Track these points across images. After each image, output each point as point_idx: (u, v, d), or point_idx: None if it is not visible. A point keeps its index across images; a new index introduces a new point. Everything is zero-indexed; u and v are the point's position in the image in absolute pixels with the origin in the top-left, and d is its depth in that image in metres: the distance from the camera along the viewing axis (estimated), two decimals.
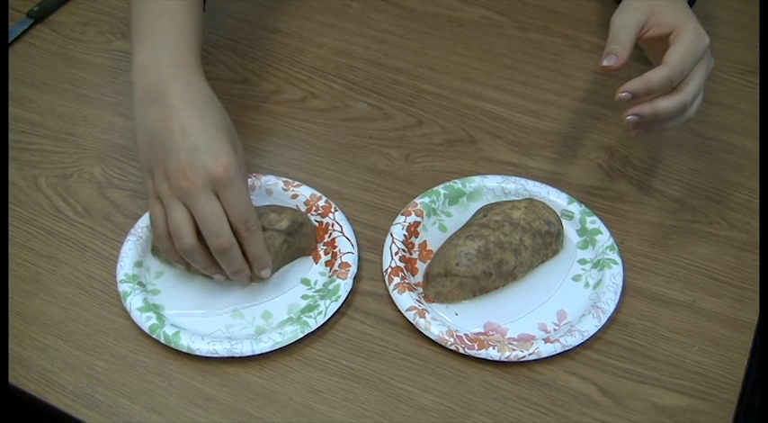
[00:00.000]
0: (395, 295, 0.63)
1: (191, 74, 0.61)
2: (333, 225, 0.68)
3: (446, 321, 0.62)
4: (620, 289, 0.64)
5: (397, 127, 0.77)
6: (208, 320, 0.63)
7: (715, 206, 0.71)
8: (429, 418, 0.58)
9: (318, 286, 0.65)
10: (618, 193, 0.72)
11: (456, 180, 0.71)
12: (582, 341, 0.61)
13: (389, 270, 0.64)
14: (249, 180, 0.70)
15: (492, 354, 0.60)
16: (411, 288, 0.64)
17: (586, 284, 0.65)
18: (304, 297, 0.64)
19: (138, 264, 0.65)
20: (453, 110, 0.79)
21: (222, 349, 0.60)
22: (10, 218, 0.69)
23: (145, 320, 0.61)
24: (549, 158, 0.75)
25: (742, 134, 0.77)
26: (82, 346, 0.61)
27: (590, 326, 0.61)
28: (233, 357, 0.60)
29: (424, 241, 0.68)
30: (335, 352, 0.62)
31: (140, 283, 0.64)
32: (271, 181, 0.71)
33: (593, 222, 0.68)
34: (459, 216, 0.69)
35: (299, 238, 0.65)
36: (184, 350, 0.60)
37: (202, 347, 0.60)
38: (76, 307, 0.64)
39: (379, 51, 0.85)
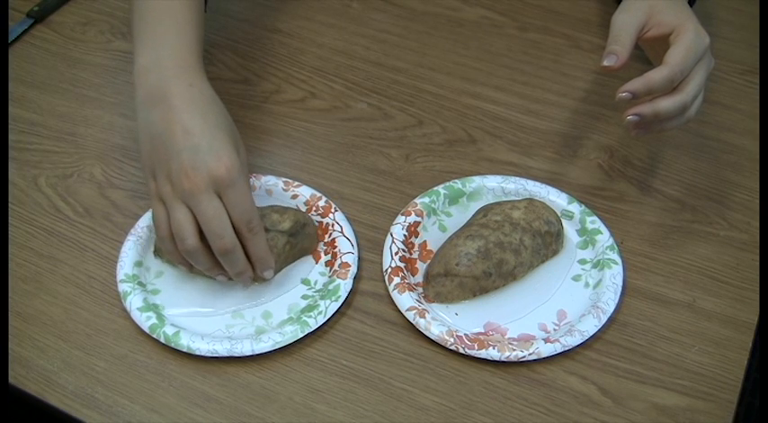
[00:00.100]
0: (395, 295, 0.63)
1: (193, 75, 0.61)
2: (333, 225, 0.68)
3: (446, 321, 0.63)
4: (620, 289, 0.64)
5: (397, 127, 0.77)
6: (208, 320, 0.63)
7: (715, 206, 0.71)
8: (429, 418, 0.58)
9: (318, 286, 0.65)
10: (618, 193, 0.72)
11: (456, 180, 0.71)
12: (582, 341, 0.61)
13: (389, 270, 0.64)
14: (249, 180, 0.70)
15: (492, 354, 0.60)
16: (411, 288, 0.64)
17: (586, 284, 0.65)
18: (304, 297, 0.64)
19: (138, 264, 0.65)
20: (453, 110, 0.79)
21: (222, 349, 0.60)
22: (10, 218, 0.69)
23: (145, 320, 0.61)
24: (549, 158, 0.75)
25: (742, 134, 0.77)
26: (82, 346, 0.61)
27: (590, 326, 0.61)
28: (233, 357, 0.60)
29: (424, 241, 0.68)
30: (335, 352, 0.62)
31: (140, 283, 0.64)
32: (271, 181, 0.71)
33: (593, 222, 0.68)
34: (459, 216, 0.69)
35: (302, 239, 0.66)
36: (184, 350, 0.60)
37: (202, 347, 0.60)
38: (76, 307, 0.64)
39: (379, 51, 0.85)
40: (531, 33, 0.87)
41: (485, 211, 0.67)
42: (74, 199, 0.71)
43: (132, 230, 0.67)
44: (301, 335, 0.61)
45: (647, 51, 0.68)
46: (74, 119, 0.77)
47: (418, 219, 0.68)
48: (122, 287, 0.63)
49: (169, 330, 0.60)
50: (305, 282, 0.65)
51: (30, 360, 0.61)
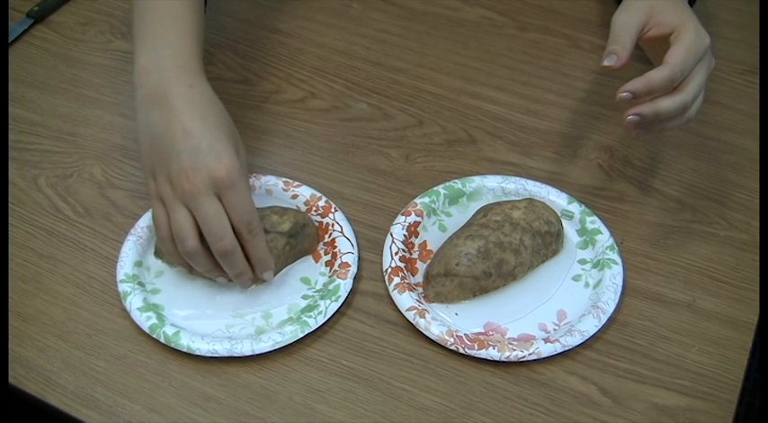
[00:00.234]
0: (395, 295, 0.63)
1: (193, 76, 0.61)
2: (333, 225, 0.68)
3: (446, 321, 0.62)
4: (620, 289, 0.64)
5: (397, 127, 0.77)
6: (208, 320, 0.63)
7: (715, 206, 0.71)
8: (429, 418, 0.58)
9: (318, 286, 0.65)
10: (618, 193, 0.72)
11: (456, 180, 0.71)
12: (582, 341, 0.61)
13: (389, 270, 0.64)
14: (249, 180, 0.70)
15: (492, 354, 0.60)
16: (411, 288, 0.64)
17: (586, 284, 0.65)
18: (304, 297, 0.64)
19: (138, 264, 0.65)
20: (453, 110, 0.79)
21: (222, 349, 0.60)
22: (10, 218, 0.69)
23: (145, 320, 0.61)
24: (549, 158, 0.75)
25: (742, 134, 0.77)
26: (82, 346, 0.61)
27: (590, 326, 0.61)
28: (233, 357, 0.60)
29: (424, 241, 0.68)
30: (335, 352, 0.62)
31: (140, 283, 0.64)
32: (271, 181, 0.71)
33: (593, 222, 0.68)
34: (459, 216, 0.69)
35: (302, 240, 0.66)
36: (184, 350, 0.60)
37: (202, 347, 0.60)
38: (76, 307, 0.64)
39: (379, 51, 0.85)
40: (531, 33, 0.87)
41: (485, 211, 0.67)
42: (74, 199, 0.71)
43: (132, 230, 0.67)
44: (301, 335, 0.61)
45: (648, 51, 0.68)
46: (74, 119, 0.77)
47: (418, 219, 0.68)
48: (122, 287, 0.63)
49: (169, 330, 0.60)
50: (305, 281, 0.65)
51: (30, 360, 0.61)
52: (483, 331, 0.62)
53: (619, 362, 0.61)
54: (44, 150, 0.75)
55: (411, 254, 0.67)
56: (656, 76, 0.59)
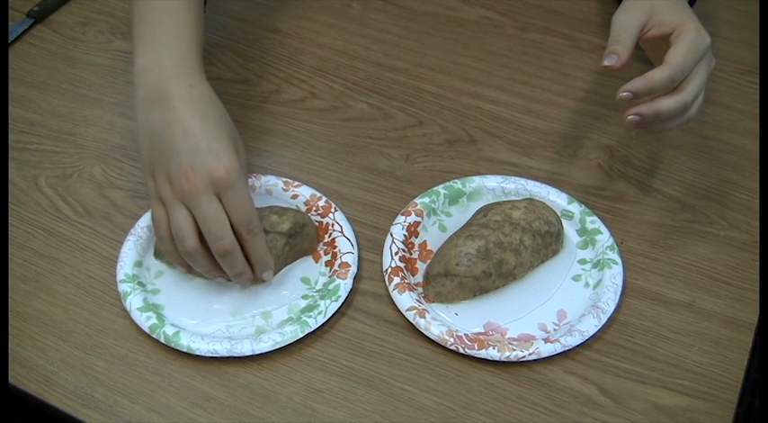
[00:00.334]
0: (395, 295, 0.63)
1: (192, 75, 0.61)
2: (333, 225, 0.68)
3: (446, 321, 0.62)
4: (620, 289, 0.64)
5: (397, 127, 0.77)
6: (208, 320, 0.63)
7: (715, 206, 0.71)
8: (429, 418, 0.58)
9: (318, 286, 0.65)
10: (618, 193, 0.72)
11: (456, 180, 0.71)
12: (582, 341, 0.61)
13: (389, 270, 0.64)
14: (249, 180, 0.70)
15: (492, 354, 0.60)
16: (411, 288, 0.64)
17: (586, 284, 0.65)
18: (304, 297, 0.64)
19: (138, 264, 0.65)
20: (453, 110, 0.79)
21: (222, 349, 0.60)
22: (10, 218, 0.69)
23: (145, 320, 0.61)
24: (549, 158, 0.75)
25: (742, 134, 0.77)
26: (82, 346, 0.61)
27: (590, 326, 0.61)
28: (233, 357, 0.60)
29: (424, 241, 0.68)
30: (335, 352, 0.62)
31: (140, 283, 0.64)
32: (271, 181, 0.71)
33: (593, 222, 0.68)
34: (459, 216, 0.69)
35: (301, 240, 0.66)
36: (184, 350, 0.60)
37: (202, 347, 0.60)
38: (76, 307, 0.64)
39: (379, 51, 0.85)
40: (531, 33, 0.87)
41: (485, 211, 0.66)
42: (74, 199, 0.71)
43: (132, 230, 0.67)
44: (301, 335, 0.61)
45: (648, 51, 0.68)
46: (74, 119, 0.77)
47: (418, 219, 0.68)
48: (122, 287, 0.63)
49: (169, 330, 0.60)
50: (305, 281, 0.65)
51: (30, 360, 0.61)
52: (483, 331, 0.62)
53: (619, 362, 0.61)
54: (44, 150, 0.75)
55: (411, 254, 0.67)
56: (657, 75, 0.59)
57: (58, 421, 0.58)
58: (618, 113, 0.76)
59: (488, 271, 0.63)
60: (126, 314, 0.62)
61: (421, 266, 0.66)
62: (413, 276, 0.65)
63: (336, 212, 0.68)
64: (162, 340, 0.60)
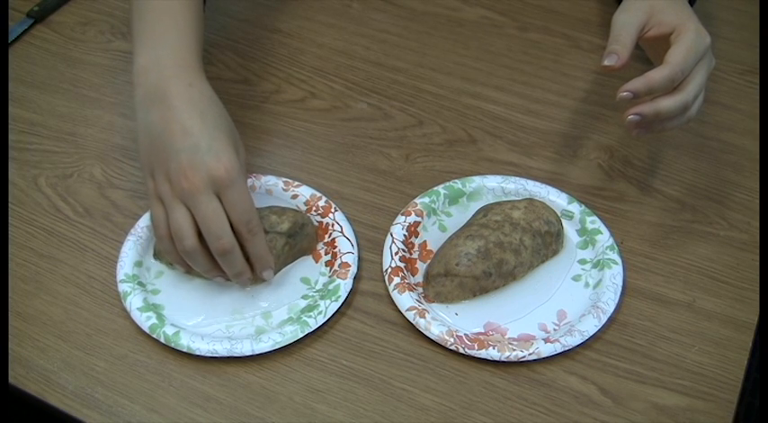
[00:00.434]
0: (395, 295, 0.63)
1: (192, 74, 0.61)
2: (333, 225, 0.68)
3: (446, 321, 0.62)
4: (620, 289, 0.64)
5: (397, 127, 0.77)
6: (208, 320, 0.63)
7: (715, 206, 0.71)
8: (429, 418, 0.58)
9: (318, 286, 0.65)
10: (618, 193, 0.72)
11: (456, 180, 0.71)
12: (582, 341, 0.61)
13: (389, 270, 0.64)
14: (249, 180, 0.70)
15: (492, 354, 0.60)
16: (411, 288, 0.64)
17: (586, 284, 0.65)
18: (304, 297, 0.64)
19: (138, 264, 0.65)
20: (453, 110, 0.79)
21: (222, 349, 0.60)
22: (10, 218, 0.69)
23: (145, 320, 0.61)
24: (549, 158, 0.75)
25: (742, 134, 0.77)
26: (82, 346, 0.61)
27: (590, 326, 0.61)
28: (233, 357, 0.60)
29: (424, 241, 0.68)
30: (335, 352, 0.62)
31: (140, 283, 0.64)
32: (271, 181, 0.71)
33: (593, 222, 0.68)
34: (459, 216, 0.69)
35: (301, 240, 0.66)
36: (184, 350, 0.60)
37: (202, 347, 0.60)
38: (76, 307, 0.64)
39: (379, 51, 0.85)
40: (531, 33, 0.87)
41: (485, 211, 0.66)
42: (74, 199, 0.71)
43: (132, 230, 0.67)
44: (301, 335, 0.61)
45: (648, 51, 0.68)
46: (74, 119, 0.77)
47: (418, 219, 0.68)
48: (122, 287, 0.63)
49: (169, 330, 0.60)
50: (305, 281, 0.65)
51: (30, 360, 0.61)
52: (483, 331, 0.62)
53: (619, 362, 0.61)
54: (44, 150, 0.75)
55: (411, 254, 0.67)
56: (657, 75, 0.59)
57: (58, 421, 0.58)
58: (618, 113, 0.76)
59: (488, 271, 0.63)
60: (126, 314, 0.62)
61: (421, 266, 0.66)
62: (413, 276, 0.65)
63: (336, 212, 0.68)
64: (162, 340, 0.60)
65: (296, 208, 0.68)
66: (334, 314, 0.62)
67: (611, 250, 0.66)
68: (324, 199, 0.69)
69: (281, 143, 0.76)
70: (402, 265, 0.65)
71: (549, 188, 0.70)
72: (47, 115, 0.78)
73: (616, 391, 0.60)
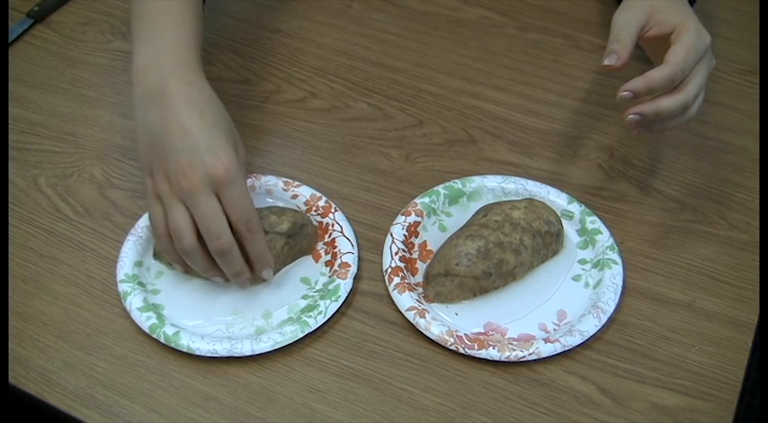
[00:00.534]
0: (395, 295, 0.63)
1: (191, 74, 0.61)
2: (333, 225, 0.68)
3: (446, 321, 0.62)
4: (620, 289, 0.64)
5: (397, 127, 0.77)
6: (208, 320, 0.63)
7: (715, 206, 0.71)
8: (429, 418, 0.58)
9: (318, 286, 0.65)
10: (618, 193, 0.72)
11: (456, 180, 0.71)
12: (582, 341, 0.61)
13: (389, 270, 0.64)
14: (249, 180, 0.70)
15: (492, 354, 0.60)
16: (411, 288, 0.64)
17: (586, 284, 0.65)
18: (304, 297, 0.64)
19: (138, 264, 0.65)
20: (453, 110, 0.79)
21: (222, 349, 0.60)
22: (10, 218, 0.69)
23: (145, 320, 0.61)
24: (549, 158, 0.75)
25: (742, 134, 0.77)
26: (82, 346, 0.61)
27: (590, 326, 0.61)
28: (233, 357, 0.60)
29: (424, 241, 0.68)
30: (335, 352, 0.62)
31: (140, 283, 0.64)
32: (271, 181, 0.71)
33: (593, 222, 0.68)
34: (459, 216, 0.69)
35: (301, 240, 0.65)
36: (184, 350, 0.60)
37: (202, 347, 0.60)
38: (76, 307, 0.64)
39: (379, 51, 0.85)
40: (531, 33, 0.87)
41: (485, 211, 0.66)
42: (74, 199, 0.71)
43: (132, 230, 0.67)
44: (301, 335, 0.61)
45: (648, 51, 0.68)
46: (74, 119, 0.77)
47: (418, 219, 0.68)
48: (122, 287, 0.63)
49: (169, 330, 0.60)
50: (305, 281, 0.65)
51: (30, 360, 0.61)
52: (483, 331, 0.62)
53: (619, 362, 0.61)
54: (44, 150, 0.75)
55: (411, 254, 0.67)
56: (657, 75, 0.59)
57: (58, 421, 0.58)
58: (618, 113, 0.76)
59: (488, 271, 0.63)
60: (126, 314, 0.62)
61: (421, 266, 0.66)
62: (413, 276, 0.65)
63: (336, 212, 0.68)
64: (162, 340, 0.60)
65: (296, 208, 0.68)
66: (334, 314, 0.62)
67: (611, 250, 0.66)
68: (324, 199, 0.69)
69: (281, 143, 0.76)
70: (402, 265, 0.65)
71: (549, 188, 0.70)
72: (47, 115, 0.78)
73: (616, 391, 0.60)
